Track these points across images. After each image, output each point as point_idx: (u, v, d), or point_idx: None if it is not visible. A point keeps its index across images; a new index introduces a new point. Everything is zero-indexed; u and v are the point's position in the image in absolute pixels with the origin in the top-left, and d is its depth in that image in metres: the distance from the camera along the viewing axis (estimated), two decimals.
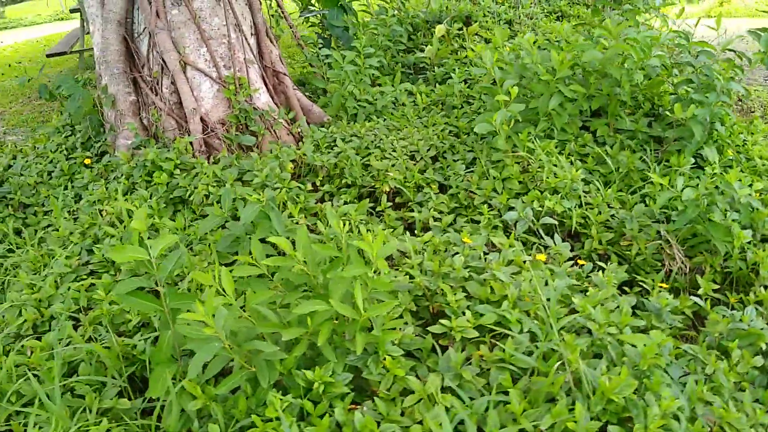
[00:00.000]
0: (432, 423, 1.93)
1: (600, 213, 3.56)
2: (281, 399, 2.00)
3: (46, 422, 2.20)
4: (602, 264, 3.15)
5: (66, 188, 4.40)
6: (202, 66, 4.57)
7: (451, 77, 5.75)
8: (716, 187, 3.38)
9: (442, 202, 3.74)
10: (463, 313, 2.43)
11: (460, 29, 6.93)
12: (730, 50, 4.57)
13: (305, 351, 2.19)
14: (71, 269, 3.30)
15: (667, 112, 4.40)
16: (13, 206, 4.32)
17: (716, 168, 3.79)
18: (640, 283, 3.11)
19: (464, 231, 3.13)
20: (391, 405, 2.10)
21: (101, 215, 3.73)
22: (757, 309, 2.76)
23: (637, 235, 3.35)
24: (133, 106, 4.68)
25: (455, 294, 2.52)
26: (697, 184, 3.41)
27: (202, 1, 4.55)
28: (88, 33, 11.03)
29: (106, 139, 4.78)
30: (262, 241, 3.06)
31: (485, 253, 2.94)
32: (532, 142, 3.98)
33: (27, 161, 4.87)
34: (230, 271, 2.15)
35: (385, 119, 5.00)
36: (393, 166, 4.03)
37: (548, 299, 2.36)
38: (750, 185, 3.59)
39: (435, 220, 3.58)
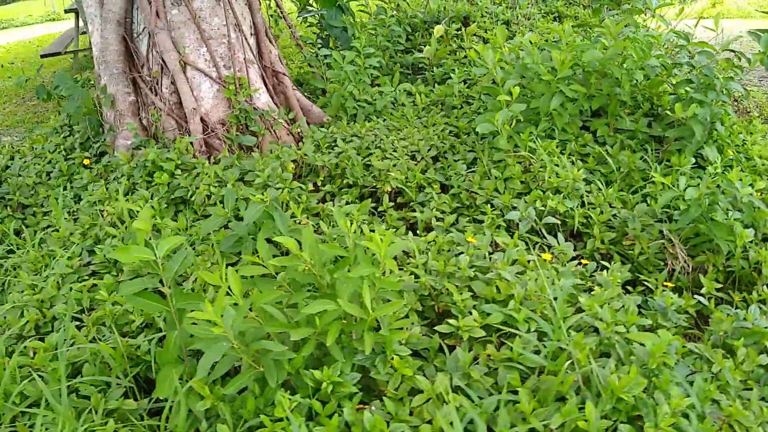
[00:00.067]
0: (442, 422, 1.92)
1: (602, 213, 3.56)
2: (290, 399, 1.99)
3: (51, 423, 2.19)
4: (605, 263, 3.15)
5: (65, 189, 4.38)
6: (202, 66, 4.56)
7: (449, 77, 5.75)
8: (717, 187, 3.39)
9: (444, 202, 3.73)
10: (470, 313, 2.43)
11: (459, 30, 6.93)
12: (729, 50, 4.59)
13: (312, 351, 2.18)
14: (73, 270, 3.28)
15: (668, 112, 4.41)
16: (11, 207, 4.30)
17: (718, 167, 3.80)
18: (644, 283, 3.12)
19: (468, 231, 3.13)
20: (400, 404, 2.10)
21: (102, 216, 3.72)
22: (760, 308, 2.77)
23: (640, 235, 3.35)
24: (132, 107, 4.66)
25: (461, 293, 2.52)
26: (698, 184, 3.42)
27: (202, 1, 4.53)
28: (82, 33, 11.00)
29: (105, 140, 4.76)
30: (267, 241, 3.06)
31: (490, 253, 2.94)
32: (534, 142, 3.99)
33: (25, 162, 4.85)
34: (236, 271, 2.14)
35: (384, 119, 4.99)
36: (394, 166, 4.03)
37: (555, 298, 2.36)
38: (751, 185, 3.60)
39: (437, 220, 3.58)
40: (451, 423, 1.91)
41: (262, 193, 3.15)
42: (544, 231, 3.40)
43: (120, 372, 2.47)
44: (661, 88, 4.71)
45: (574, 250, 3.33)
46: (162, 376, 2.18)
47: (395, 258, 3.06)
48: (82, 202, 3.98)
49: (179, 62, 4.48)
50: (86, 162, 4.63)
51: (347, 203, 3.79)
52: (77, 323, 2.87)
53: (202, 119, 4.49)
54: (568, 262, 3.04)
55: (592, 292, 2.63)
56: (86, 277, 3.27)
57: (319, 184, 4.09)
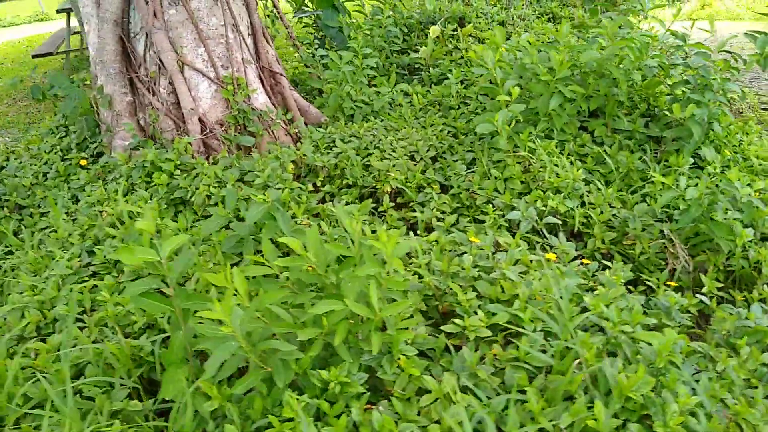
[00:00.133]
0: (451, 422, 1.92)
1: (602, 212, 3.57)
2: (298, 399, 1.99)
3: (57, 425, 2.18)
4: (606, 263, 3.16)
5: (62, 189, 4.36)
6: (200, 66, 4.55)
7: (446, 78, 5.75)
8: (716, 186, 3.41)
9: (444, 203, 3.74)
10: (475, 313, 2.43)
11: (455, 30, 6.94)
12: (725, 51, 4.62)
13: (318, 351, 2.18)
14: (73, 271, 3.26)
15: (665, 112, 4.43)
16: (8, 208, 4.28)
17: (717, 167, 3.82)
18: (645, 282, 3.13)
19: (470, 230, 3.13)
20: (407, 404, 2.10)
21: (101, 216, 3.70)
22: (762, 306, 2.79)
23: (641, 235, 3.36)
24: (129, 107, 4.64)
25: (466, 293, 2.52)
26: (697, 184, 3.44)
27: (199, 1, 4.52)
28: (74, 34, 10.97)
29: (102, 140, 4.73)
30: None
31: (492, 253, 2.94)
32: (534, 142, 3.99)
33: (21, 162, 4.82)
34: (241, 271, 2.13)
35: (382, 120, 4.99)
36: (394, 166, 4.03)
37: (560, 298, 2.37)
38: (749, 185, 3.62)
39: (438, 220, 3.58)
40: (460, 423, 1.91)
41: (264, 194, 3.14)
42: (544, 231, 3.41)
43: (123, 373, 2.46)
44: (657, 89, 4.73)
45: (575, 250, 3.34)
46: (168, 376, 2.17)
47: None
48: (81, 202, 3.96)
49: (177, 62, 4.46)
50: (83, 163, 4.61)
51: (347, 203, 3.78)
52: (79, 324, 2.85)
53: (200, 119, 4.47)
54: (569, 262, 3.05)
55: (595, 292, 2.63)
56: (86, 278, 3.25)
57: (319, 184, 4.09)
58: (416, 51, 6.63)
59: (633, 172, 4.08)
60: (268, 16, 6.55)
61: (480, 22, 7.34)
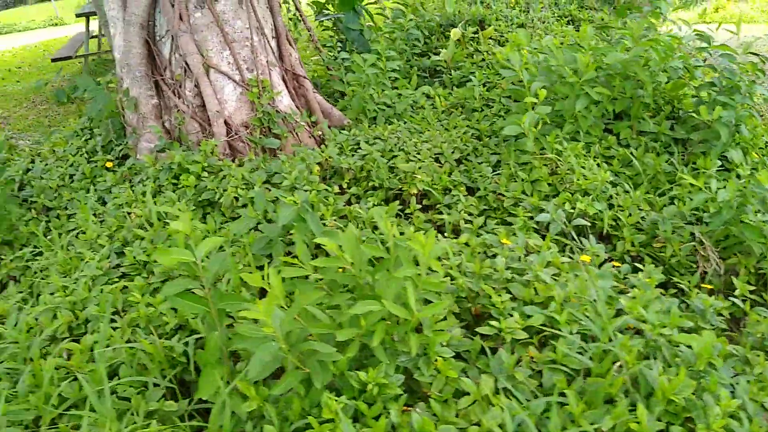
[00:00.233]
0: (491, 424, 1.91)
1: (630, 215, 3.56)
2: (336, 400, 1.99)
3: (93, 425, 2.19)
4: (636, 266, 3.14)
5: (88, 191, 4.39)
6: (226, 69, 4.56)
7: (468, 80, 5.75)
8: (744, 188, 3.38)
9: (472, 205, 3.73)
10: (510, 315, 2.42)
11: (475, 33, 6.93)
12: (752, 53, 4.59)
13: (355, 352, 2.17)
14: (102, 272, 3.28)
15: (693, 114, 4.40)
16: (36, 209, 4.30)
17: (746, 169, 3.79)
18: (675, 285, 3.11)
19: (502, 232, 3.12)
20: (445, 406, 2.09)
21: (129, 218, 3.72)
22: None
23: (671, 237, 3.34)
24: (155, 109, 4.67)
25: (500, 295, 2.51)
26: (725, 186, 3.41)
27: (225, 4, 4.54)
28: (92, 37, 11.06)
29: (127, 143, 4.76)
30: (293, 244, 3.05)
31: (525, 255, 2.93)
32: (560, 144, 3.98)
33: (47, 165, 4.85)
34: (278, 272, 2.14)
35: (405, 122, 4.99)
36: (419, 168, 4.02)
37: (595, 300, 2.36)
38: None
39: (466, 222, 3.57)
40: (501, 425, 1.90)
41: (293, 195, 3.15)
42: (573, 233, 3.39)
43: (157, 373, 2.47)
44: (681, 91, 4.70)
45: (604, 252, 3.32)
46: (204, 376, 2.18)
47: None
48: (108, 204, 3.97)
49: (202, 65, 4.48)
50: (109, 165, 4.63)
51: (373, 205, 3.78)
52: (111, 325, 2.86)
53: (225, 122, 4.49)
54: (600, 264, 3.03)
55: (629, 294, 2.61)
56: (116, 279, 3.27)
57: (345, 186, 4.09)
58: (437, 53, 6.63)
59: (660, 174, 4.05)
60: (291, 19, 6.57)
61: (500, 25, 7.33)
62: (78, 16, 11.02)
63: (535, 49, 4.97)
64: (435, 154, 4.30)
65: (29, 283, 3.48)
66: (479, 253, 3.04)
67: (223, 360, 2.30)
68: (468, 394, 2.10)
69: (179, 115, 4.54)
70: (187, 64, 4.51)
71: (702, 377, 2.11)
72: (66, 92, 5.55)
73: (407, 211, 3.76)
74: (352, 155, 4.28)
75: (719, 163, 4.03)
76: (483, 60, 6.32)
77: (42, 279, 3.44)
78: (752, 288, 3.01)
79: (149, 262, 3.30)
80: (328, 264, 2.29)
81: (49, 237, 3.86)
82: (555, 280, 2.66)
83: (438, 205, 3.86)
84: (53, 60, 9.92)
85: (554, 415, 1.90)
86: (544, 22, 7.86)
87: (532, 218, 3.52)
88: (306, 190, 3.67)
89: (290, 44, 5.13)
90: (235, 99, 4.59)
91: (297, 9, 6.00)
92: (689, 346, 2.21)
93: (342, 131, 4.78)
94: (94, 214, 4.00)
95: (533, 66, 4.57)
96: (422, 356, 2.22)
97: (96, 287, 3.15)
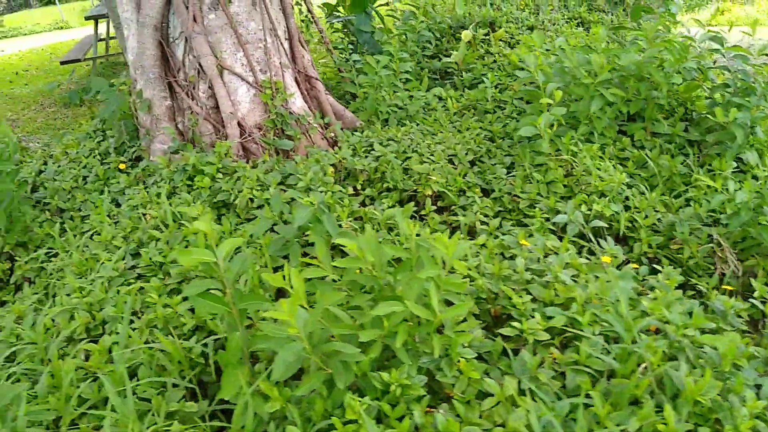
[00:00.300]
0: (516, 425, 1.90)
1: (647, 216, 3.54)
2: (359, 401, 1.98)
3: (114, 425, 2.18)
4: (654, 267, 3.13)
5: (102, 193, 4.39)
6: (239, 70, 4.57)
7: (480, 82, 5.74)
8: (761, 190, 3.37)
9: (487, 206, 3.72)
10: (532, 316, 2.41)
11: (486, 34, 6.93)
12: (766, 55, 4.57)
13: (378, 353, 2.17)
14: (118, 273, 3.27)
15: (708, 116, 4.38)
16: (50, 211, 4.31)
17: (762, 171, 3.77)
18: (693, 287, 3.10)
19: (520, 234, 3.11)
20: (469, 408, 2.08)
21: (144, 219, 3.72)
22: None
23: (688, 239, 3.33)
24: (168, 111, 4.67)
25: (521, 297, 2.50)
26: (740, 188, 3.40)
27: (238, 6, 4.54)
28: (101, 40, 11.09)
29: (140, 144, 4.77)
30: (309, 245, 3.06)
31: (545, 256, 2.92)
32: (576, 146, 3.97)
33: (59, 166, 4.86)
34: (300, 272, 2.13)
35: (418, 124, 4.98)
36: (434, 170, 4.01)
37: (618, 301, 2.34)
38: None
39: (481, 223, 3.56)
40: (527, 426, 1.89)
41: (309, 196, 3.14)
42: (590, 235, 3.38)
43: (176, 374, 2.46)
44: (695, 93, 4.68)
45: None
46: (227, 377, 2.17)
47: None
48: (123, 206, 3.98)
49: (216, 66, 4.48)
50: (122, 166, 4.64)
51: (388, 207, 3.77)
52: (129, 326, 2.86)
53: (239, 123, 4.49)
54: (618, 266, 3.02)
55: (650, 295, 2.60)
56: (132, 281, 3.27)
57: (359, 188, 4.08)
58: (447, 55, 6.62)
59: (675, 176, 4.04)
60: (303, 20, 6.57)
61: (510, 27, 7.32)
62: (87, 18, 11.05)
63: (547, 50, 4.96)
64: (449, 155, 4.29)
65: (44, 284, 3.49)
66: (497, 254, 3.03)
67: (244, 360, 2.29)
68: (491, 395, 2.09)
69: (193, 117, 4.55)
70: (200, 65, 4.52)
71: (727, 378, 2.09)
72: (78, 94, 5.55)
73: (422, 212, 3.75)
74: (366, 157, 4.28)
75: (734, 164, 4.00)
76: (494, 62, 6.31)
77: (58, 280, 3.44)
78: None
79: (165, 263, 3.29)
80: (349, 264, 2.28)
81: (63, 238, 3.86)
82: (575, 281, 2.65)
83: (453, 207, 3.86)
84: (62, 63, 9.94)
85: (580, 417, 1.89)
86: (554, 24, 7.86)
87: (548, 220, 3.51)
88: (321, 192, 3.67)
89: (302, 46, 5.13)
90: (248, 100, 4.59)
91: (309, 11, 6.00)
92: (713, 348, 2.20)
93: (354, 133, 4.77)
94: (108, 216, 4.00)
95: (548, 67, 4.56)
96: (444, 357, 2.21)
97: (112, 288, 3.15)
